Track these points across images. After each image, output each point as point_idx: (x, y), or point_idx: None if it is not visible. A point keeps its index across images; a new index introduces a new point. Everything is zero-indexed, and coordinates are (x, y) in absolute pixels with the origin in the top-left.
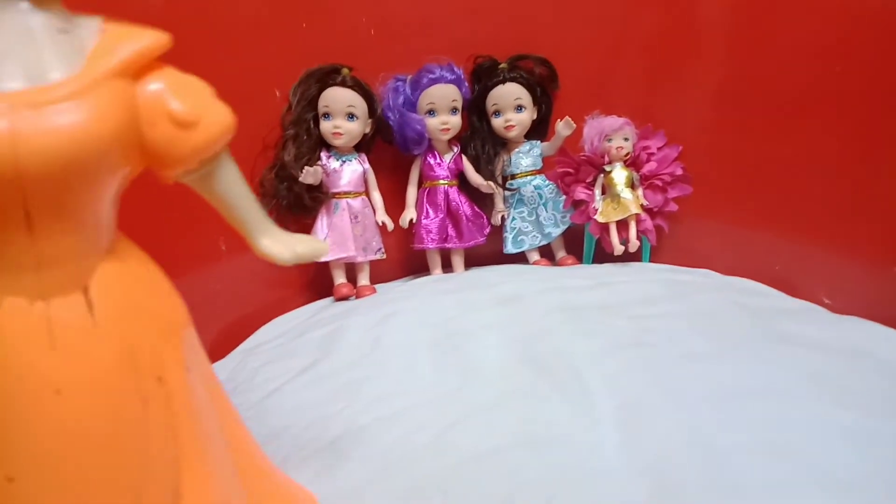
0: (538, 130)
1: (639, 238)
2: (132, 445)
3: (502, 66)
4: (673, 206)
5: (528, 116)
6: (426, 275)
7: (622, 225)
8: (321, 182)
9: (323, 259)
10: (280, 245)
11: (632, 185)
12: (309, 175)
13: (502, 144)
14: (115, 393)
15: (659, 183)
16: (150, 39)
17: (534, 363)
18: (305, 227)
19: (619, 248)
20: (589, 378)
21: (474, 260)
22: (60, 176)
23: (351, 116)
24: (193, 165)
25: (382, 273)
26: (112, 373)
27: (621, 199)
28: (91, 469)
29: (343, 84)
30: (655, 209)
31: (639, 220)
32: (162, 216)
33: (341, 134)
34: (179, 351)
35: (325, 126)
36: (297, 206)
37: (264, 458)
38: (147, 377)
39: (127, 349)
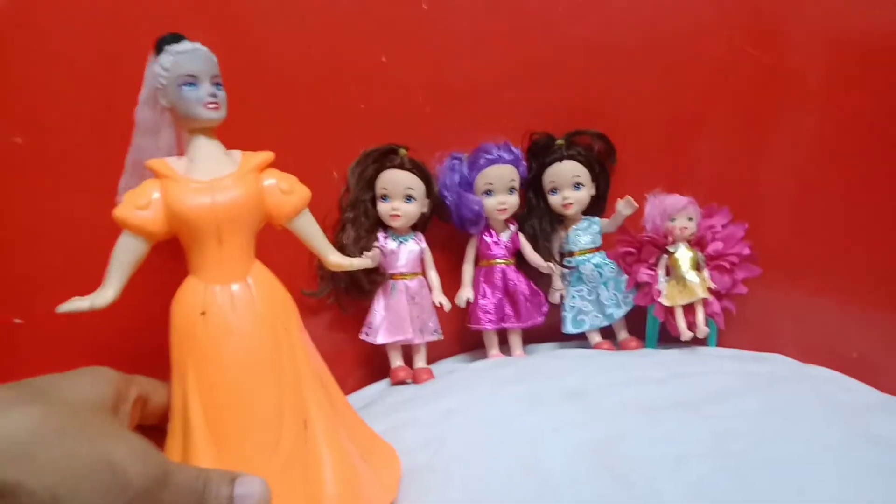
0: (596, 206)
1: (706, 322)
2: (273, 369)
3: (559, 142)
4: (742, 289)
5: (586, 194)
6: (482, 352)
7: (688, 307)
8: (378, 263)
9: (379, 342)
10: (342, 259)
11: (697, 267)
12: (369, 259)
13: (559, 221)
14: (263, 335)
15: (726, 264)
16: (267, 155)
17: (609, 471)
18: (362, 309)
19: (686, 335)
20: (667, 488)
21: (532, 337)
22: (233, 219)
23: (409, 198)
24: (292, 216)
25: (438, 349)
26: (262, 324)
27: (687, 281)
28: (253, 381)
29: (401, 166)
30: (723, 292)
31: (706, 304)
32: None
33: (399, 216)
34: (295, 317)
35: (383, 208)
36: (356, 288)
37: (353, 409)
38: (280, 328)
39: (269, 312)
